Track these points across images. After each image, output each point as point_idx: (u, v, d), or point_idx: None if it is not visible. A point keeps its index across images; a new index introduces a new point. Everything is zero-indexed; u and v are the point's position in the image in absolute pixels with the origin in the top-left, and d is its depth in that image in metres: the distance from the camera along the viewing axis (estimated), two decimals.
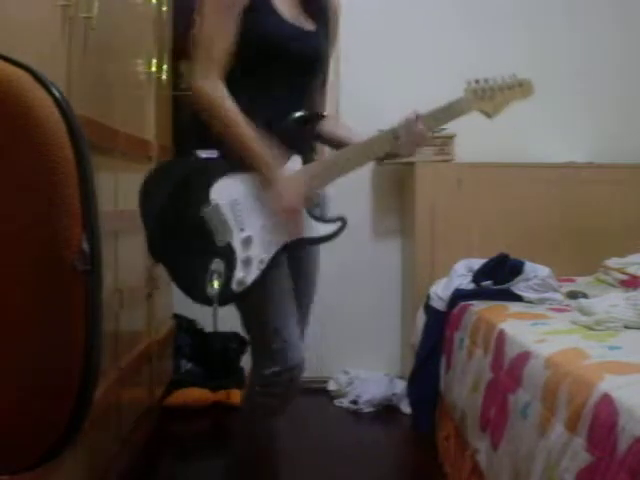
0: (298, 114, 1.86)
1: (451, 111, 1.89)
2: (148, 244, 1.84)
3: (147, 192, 1.82)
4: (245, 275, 1.77)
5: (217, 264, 1.74)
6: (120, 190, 2.35)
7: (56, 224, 0.89)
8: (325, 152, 2.21)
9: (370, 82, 3.69)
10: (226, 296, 1.75)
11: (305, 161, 1.86)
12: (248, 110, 1.77)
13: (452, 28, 3.73)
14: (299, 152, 1.85)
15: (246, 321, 1.91)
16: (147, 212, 1.82)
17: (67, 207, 0.89)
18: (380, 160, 1.96)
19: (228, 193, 1.79)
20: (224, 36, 1.77)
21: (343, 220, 1.87)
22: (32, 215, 0.90)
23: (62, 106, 0.90)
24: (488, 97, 1.89)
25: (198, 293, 1.76)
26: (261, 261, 1.78)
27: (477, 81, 1.89)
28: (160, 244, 1.82)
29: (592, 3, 3.77)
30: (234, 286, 1.76)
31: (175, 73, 3.71)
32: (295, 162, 1.84)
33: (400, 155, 1.90)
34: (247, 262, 1.77)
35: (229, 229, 1.77)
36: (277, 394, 1.88)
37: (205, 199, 1.77)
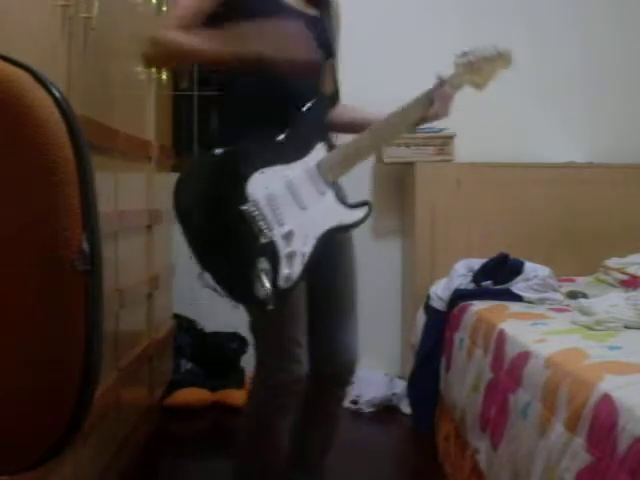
0: (314, 100, 1.84)
1: (453, 84, 1.92)
2: (192, 248, 1.75)
3: (181, 193, 1.75)
4: (291, 271, 1.72)
5: (263, 263, 1.69)
6: (120, 190, 2.35)
7: (56, 224, 0.89)
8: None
9: (368, 80, 3.68)
10: (275, 295, 1.69)
11: (329, 148, 1.85)
12: (261, 100, 1.76)
13: (452, 27, 3.72)
14: (321, 139, 1.84)
15: (257, 325, 1.88)
16: (184, 213, 1.74)
17: (67, 207, 0.89)
18: (414, 127, 1.95)
19: (263, 187, 1.73)
20: (197, 4, 1.73)
21: (369, 204, 1.88)
22: (32, 215, 0.90)
23: (62, 106, 0.90)
24: (476, 69, 1.93)
25: (247, 295, 1.70)
26: (303, 255, 1.75)
27: (465, 53, 1.93)
28: (202, 247, 1.74)
29: (592, 3, 3.77)
30: (281, 283, 1.71)
31: (175, 73, 3.71)
32: (319, 150, 1.82)
33: (437, 117, 1.91)
34: (290, 257, 1.72)
35: (270, 225, 1.72)
36: (284, 403, 1.87)
37: (242, 196, 1.71)
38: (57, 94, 0.91)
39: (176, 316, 3.59)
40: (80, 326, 0.92)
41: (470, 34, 3.71)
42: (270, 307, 1.68)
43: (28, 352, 0.92)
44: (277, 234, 1.72)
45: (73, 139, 0.90)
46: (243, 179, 1.72)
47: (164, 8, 3.12)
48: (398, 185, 3.76)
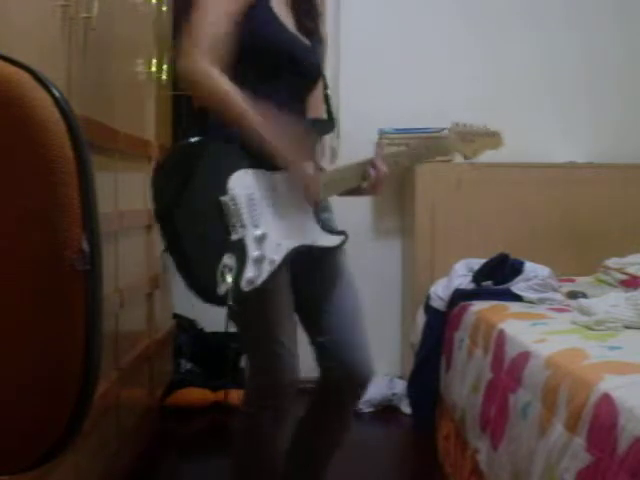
0: (308, 120, 1.84)
1: (437, 147, 2.03)
2: (162, 230, 1.73)
3: (160, 175, 1.72)
4: (256, 275, 1.67)
5: (229, 259, 1.64)
6: (120, 190, 2.35)
7: (56, 224, 0.89)
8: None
9: (370, 88, 3.68)
10: (234, 295, 1.65)
11: (316, 170, 1.83)
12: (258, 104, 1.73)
13: (454, 31, 3.73)
14: (311, 159, 1.82)
15: (243, 329, 1.86)
16: (161, 195, 1.70)
17: (67, 207, 0.89)
18: (349, 194, 1.91)
19: (245, 185, 1.70)
20: (216, 22, 1.71)
21: (345, 234, 1.87)
22: (32, 215, 0.90)
23: (62, 106, 0.90)
24: (469, 140, 2.02)
25: (207, 289, 1.66)
26: (272, 262, 1.70)
27: (459, 124, 2.03)
28: (172, 232, 1.71)
29: (593, 3, 3.77)
30: (243, 285, 1.65)
31: (175, 73, 3.71)
32: (308, 168, 1.80)
33: (368, 193, 1.89)
34: (258, 261, 1.68)
35: (243, 223, 1.68)
36: (272, 405, 1.86)
37: (222, 187, 1.67)
38: (57, 94, 0.91)
39: (176, 316, 3.59)
40: (80, 326, 0.92)
41: (471, 35, 3.73)
42: (230, 304, 1.63)
43: (28, 352, 0.92)
44: (249, 234, 1.68)
45: (73, 139, 0.90)
46: (225, 172, 1.69)
47: (164, 8, 3.13)
48: (398, 185, 3.76)
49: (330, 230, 1.87)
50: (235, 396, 3.29)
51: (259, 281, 1.68)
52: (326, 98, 1.96)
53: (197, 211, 1.67)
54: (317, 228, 1.83)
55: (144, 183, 2.83)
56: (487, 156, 3.55)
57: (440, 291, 3.08)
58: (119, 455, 2.40)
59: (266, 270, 1.69)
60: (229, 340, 3.56)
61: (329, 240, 1.85)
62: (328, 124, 1.96)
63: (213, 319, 3.74)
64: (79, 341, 0.92)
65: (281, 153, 1.71)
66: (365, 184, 1.85)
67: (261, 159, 1.73)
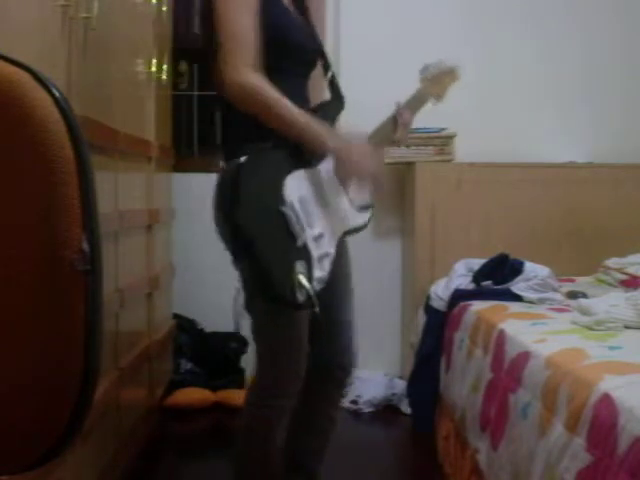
0: (325, 104, 1.89)
1: (420, 100, 2.02)
2: (232, 244, 1.72)
3: (226, 194, 1.72)
4: (323, 273, 1.74)
5: (301, 265, 1.68)
6: (120, 190, 2.35)
7: (56, 224, 0.89)
8: None
9: (370, 81, 3.68)
10: (313, 297, 1.68)
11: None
12: None
13: (454, 28, 3.72)
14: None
15: (263, 330, 1.87)
16: (229, 214, 1.69)
17: (67, 207, 0.89)
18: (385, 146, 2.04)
19: (296, 189, 1.74)
20: (250, 31, 1.74)
21: (372, 207, 1.96)
22: (32, 215, 0.90)
23: (62, 106, 0.90)
24: (437, 82, 2.03)
25: (288, 298, 1.66)
26: (328, 255, 1.77)
27: (426, 67, 2.04)
28: (244, 250, 1.69)
29: (593, 3, 3.77)
30: (316, 285, 1.71)
31: (175, 73, 3.71)
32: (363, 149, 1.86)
33: (399, 143, 2.01)
34: (321, 259, 1.74)
35: (303, 227, 1.72)
36: (279, 405, 1.88)
37: (280, 198, 1.70)
38: (57, 94, 0.91)
39: (176, 316, 3.59)
40: (80, 326, 0.92)
41: (472, 34, 3.73)
42: (317, 309, 1.68)
43: (28, 352, 0.92)
44: (309, 236, 1.73)
45: (73, 139, 0.90)
46: (280, 181, 1.72)
47: (164, 8, 3.13)
48: (398, 185, 3.76)
49: (359, 207, 1.94)
50: (235, 396, 3.30)
51: (326, 277, 1.75)
52: (332, 77, 1.99)
53: (268, 226, 1.69)
54: (352, 210, 1.91)
55: (144, 183, 2.83)
56: (487, 156, 3.59)
57: (440, 291, 3.08)
58: (119, 455, 2.40)
59: (327, 265, 1.77)
60: (229, 340, 3.56)
61: (362, 217, 1.95)
62: (339, 104, 1.99)
63: (213, 319, 3.77)
64: (79, 341, 0.92)
65: (336, 145, 1.77)
66: (397, 135, 1.94)
67: (301, 156, 1.77)
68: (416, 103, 2.00)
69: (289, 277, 1.65)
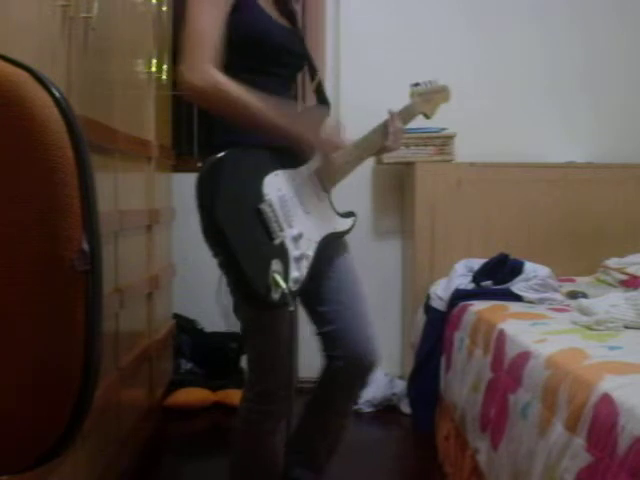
0: (313, 107, 1.92)
1: (409, 113, 2.05)
2: (210, 239, 1.70)
3: (203, 190, 1.67)
4: (299, 273, 1.72)
5: (277, 264, 1.67)
6: (120, 190, 2.35)
7: (56, 224, 0.89)
8: None
9: (370, 82, 3.69)
10: (288, 297, 1.66)
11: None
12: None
13: (455, 28, 3.73)
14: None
15: (247, 330, 1.87)
16: (204, 210, 1.66)
17: (67, 207, 0.89)
18: (374, 156, 2.06)
19: (276, 188, 1.74)
20: (211, 29, 1.71)
21: (354, 215, 1.96)
22: (32, 215, 0.89)
23: (62, 106, 0.90)
24: (427, 100, 2.07)
25: (263, 296, 1.64)
26: (307, 258, 1.76)
27: (417, 84, 2.07)
28: (223, 246, 1.65)
29: (594, 3, 3.77)
30: (291, 285, 1.69)
31: (175, 73, 3.71)
32: (317, 157, 1.87)
33: (390, 150, 2.00)
34: (299, 260, 1.73)
35: (281, 226, 1.71)
36: (271, 410, 1.87)
37: (259, 195, 1.69)
38: (57, 94, 0.91)
39: (176, 316, 3.59)
40: (80, 326, 0.92)
41: (472, 35, 3.73)
42: (291, 308, 1.67)
43: (28, 352, 0.92)
44: (287, 235, 1.72)
45: (73, 139, 0.90)
46: (259, 179, 1.71)
47: (164, 8, 3.13)
48: (398, 185, 3.76)
49: (341, 214, 1.94)
50: (235, 396, 3.29)
51: (302, 278, 1.74)
52: (318, 83, 1.99)
53: (243, 222, 1.67)
54: (334, 214, 1.91)
55: (144, 183, 2.84)
56: (487, 156, 3.59)
57: (440, 291, 3.08)
58: (119, 455, 2.40)
59: (304, 267, 1.75)
60: (229, 340, 3.56)
61: (344, 224, 1.93)
62: (324, 109, 1.98)
63: (213, 319, 3.76)
64: (79, 341, 0.92)
65: (305, 137, 1.78)
66: (388, 141, 1.96)
67: (283, 157, 1.78)
68: (406, 115, 2.04)
69: (264, 275, 1.64)
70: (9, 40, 1.44)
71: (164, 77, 3.10)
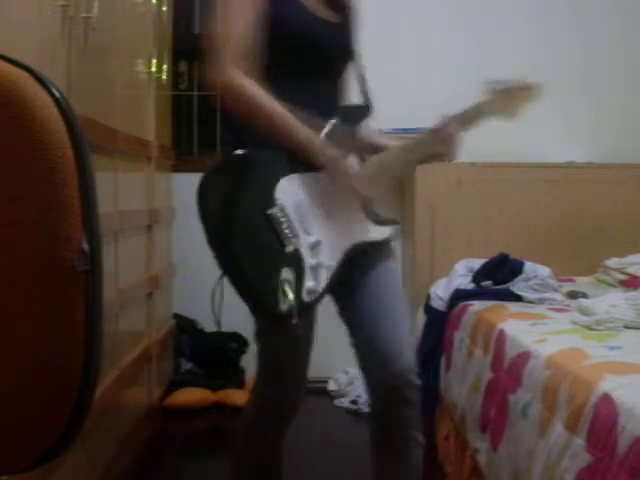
0: (345, 108, 1.77)
1: (477, 114, 1.85)
2: (214, 247, 1.59)
3: (206, 192, 1.59)
4: (315, 284, 1.59)
5: (287, 273, 1.55)
6: (120, 190, 2.35)
7: (56, 224, 0.89)
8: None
9: (370, 82, 3.68)
10: (298, 309, 1.55)
11: (361, 160, 1.75)
12: (290, 105, 1.64)
13: (456, 29, 3.73)
14: (352, 150, 1.72)
15: (262, 335, 1.79)
16: (207, 213, 1.59)
17: (67, 207, 0.89)
18: (422, 162, 1.86)
19: (292, 193, 1.62)
20: (242, 29, 1.63)
21: (396, 221, 1.79)
22: (32, 215, 0.89)
23: (62, 106, 0.90)
24: (508, 97, 1.84)
25: (269, 306, 1.55)
26: (329, 268, 1.64)
27: (496, 80, 1.83)
28: (225, 252, 1.57)
29: (594, 3, 3.77)
30: (304, 296, 1.58)
31: (175, 73, 3.71)
32: (351, 163, 1.71)
33: (443, 158, 1.81)
34: (316, 269, 1.61)
35: (296, 232, 1.59)
36: (278, 415, 1.85)
37: (269, 200, 1.58)
38: (57, 94, 0.91)
39: (176, 316, 3.59)
40: (80, 326, 0.92)
41: (472, 35, 3.73)
42: (295, 320, 1.55)
43: (28, 352, 0.92)
44: (303, 243, 1.60)
45: (73, 139, 0.90)
46: (271, 182, 1.61)
47: (164, 8, 3.13)
48: (398, 185, 3.76)
49: (379, 221, 1.76)
50: (235, 396, 3.30)
51: (319, 290, 1.61)
52: (361, 79, 1.87)
53: (249, 227, 1.57)
54: (366, 221, 1.73)
55: (144, 183, 2.84)
56: (487, 156, 3.58)
57: (440, 291, 3.08)
58: (119, 455, 2.40)
59: (324, 277, 1.63)
60: (229, 340, 3.56)
61: (380, 232, 1.77)
62: (364, 109, 1.85)
63: (213, 319, 3.76)
64: (79, 341, 0.92)
65: (319, 154, 1.63)
66: (439, 149, 1.76)
67: (304, 162, 1.64)
68: (471, 117, 1.83)
69: (272, 283, 1.53)
70: (9, 40, 1.44)
71: (164, 77, 3.10)
